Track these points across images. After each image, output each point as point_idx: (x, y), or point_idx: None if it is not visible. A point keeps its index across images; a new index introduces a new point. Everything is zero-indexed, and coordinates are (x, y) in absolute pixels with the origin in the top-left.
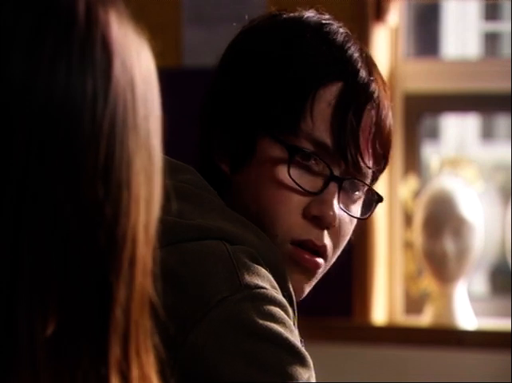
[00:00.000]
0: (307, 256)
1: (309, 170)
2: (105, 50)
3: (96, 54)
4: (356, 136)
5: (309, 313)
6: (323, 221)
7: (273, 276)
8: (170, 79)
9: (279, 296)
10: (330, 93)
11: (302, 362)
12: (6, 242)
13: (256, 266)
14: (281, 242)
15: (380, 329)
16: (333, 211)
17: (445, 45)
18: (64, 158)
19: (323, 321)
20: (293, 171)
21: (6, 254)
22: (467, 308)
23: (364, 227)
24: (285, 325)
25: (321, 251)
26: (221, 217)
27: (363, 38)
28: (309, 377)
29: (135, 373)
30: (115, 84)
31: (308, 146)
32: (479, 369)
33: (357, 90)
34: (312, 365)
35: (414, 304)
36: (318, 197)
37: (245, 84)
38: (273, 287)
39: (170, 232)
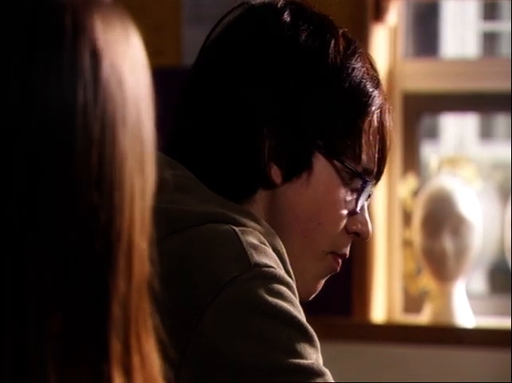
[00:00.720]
0: (339, 263)
1: (356, 191)
2: (93, 55)
3: (85, 61)
4: (387, 161)
5: (309, 311)
6: (361, 236)
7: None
8: (169, 78)
9: (286, 276)
10: (373, 122)
11: (310, 342)
12: (11, 248)
13: (263, 246)
14: (325, 254)
15: (380, 328)
16: (369, 227)
17: (444, 45)
18: (60, 167)
19: (322, 320)
20: (351, 193)
21: (11, 260)
22: (466, 306)
23: None
24: (294, 305)
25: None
26: (220, 206)
27: (362, 38)
28: (316, 358)
29: (136, 359)
30: (104, 86)
31: (361, 170)
32: (478, 368)
33: (387, 114)
34: (319, 346)
35: (413, 302)
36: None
37: (306, 102)
38: (279, 268)
39: (175, 220)
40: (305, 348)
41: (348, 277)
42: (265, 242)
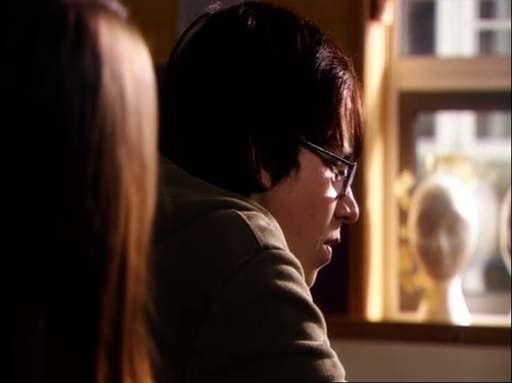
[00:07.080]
0: (330, 253)
1: (341, 174)
2: (95, 60)
3: (86, 65)
4: (364, 138)
5: None
6: (350, 219)
7: None
8: None
9: (294, 257)
10: (347, 105)
11: (318, 323)
12: None
13: (269, 227)
14: (320, 244)
15: (376, 326)
16: (356, 208)
17: (440, 43)
18: (52, 170)
19: None
20: (339, 181)
21: None
22: (462, 304)
23: (359, 224)
24: (302, 286)
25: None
26: (219, 195)
27: (358, 37)
28: (324, 339)
29: (127, 381)
30: (103, 95)
31: (344, 155)
32: (475, 365)
33: (359, 94)
34: (325, 327)
35: (409, 300)
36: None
37: (282, 101)
38: (286, 248)
39: (179, 213)
40: (314, 329)
41: (345, 275)
42: (270, 223)
